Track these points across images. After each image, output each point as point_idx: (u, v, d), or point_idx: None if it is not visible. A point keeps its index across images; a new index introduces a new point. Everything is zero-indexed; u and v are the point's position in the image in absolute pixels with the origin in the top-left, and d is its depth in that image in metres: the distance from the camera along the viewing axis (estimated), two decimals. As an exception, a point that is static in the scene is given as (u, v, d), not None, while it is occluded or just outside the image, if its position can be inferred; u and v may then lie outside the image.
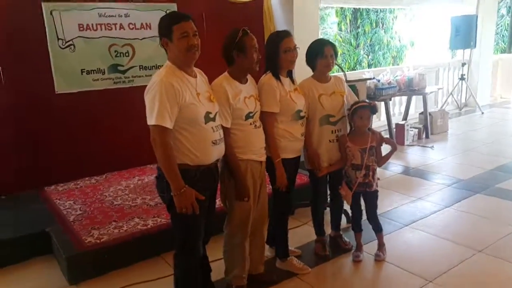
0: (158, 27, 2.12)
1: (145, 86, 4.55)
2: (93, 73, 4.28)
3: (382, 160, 2.92)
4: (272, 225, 2.77)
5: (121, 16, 4.41)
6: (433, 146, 5.85)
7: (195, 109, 2.08)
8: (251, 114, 2.40)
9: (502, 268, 2.79)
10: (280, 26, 5.42)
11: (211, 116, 2.17)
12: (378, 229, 2.99)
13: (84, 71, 4.22)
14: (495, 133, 6.50)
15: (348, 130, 2.94)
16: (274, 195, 2.68)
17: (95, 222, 3.24)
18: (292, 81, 2.71)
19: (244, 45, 2.32)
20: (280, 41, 2.55)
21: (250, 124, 2.41)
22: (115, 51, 4.40)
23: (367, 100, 3.32)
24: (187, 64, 2.12)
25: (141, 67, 4.62)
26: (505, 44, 10.79)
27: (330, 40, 2.93)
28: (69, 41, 4.11)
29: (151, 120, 1.99)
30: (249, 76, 2.50)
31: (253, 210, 2.47)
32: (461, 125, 7.15)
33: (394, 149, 2.91)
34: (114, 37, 4.37)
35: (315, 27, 5.55)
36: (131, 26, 4.49)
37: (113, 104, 4.45)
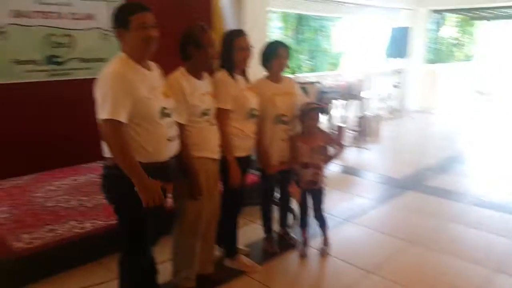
0: (113, 16, 2.01)
1: (85, 80, 4.39)
2: (27, 64, 3.99)
3: (329, 159, 3.03)
4: (223, 223, 2.74)
5: (61, 4, 4.16)
6: (369, 147, 6.17)
7: (151, 103, 1.99)
8: (207, 111, 2.37)
9: (432, 257, 3.01)
10: (230, 25, 5.43)
11: (167, 111, 2.08)
12: (323, 224, 3.10)
13: (16, 62, 3.92)
14: (423, 136, 7.02)
15: (298, 130, 3.01)
16: (225, 193, 2.66)
17: (25, 226, 2.96)
18: (246, 79, 2.72)
19: (199, 40, 2.29)
20: (235, 39, 2.55)
21: (206, 121, 2.38)
22: (53, 41, 4.14)
23: (317, 102, 3.43)
24: (142, 56, 2.02)
25: (80, 59, 4.38)
26: (431, 55, 11.65)
27: (283, 41, 2.99)
28: (1, 27, 3.80)
29: (103, 114, 1.85)
30: (204, 73, 2.48)
31: (205, 209, 2.44)
32: (393, 128, 7.61)
33: (341, 150, 3.03)
34: (52, 27, 4.10)
35: (264, 29, 5.63)
36: (71, 16, 4.25)
37: (47, 98, 4.13)
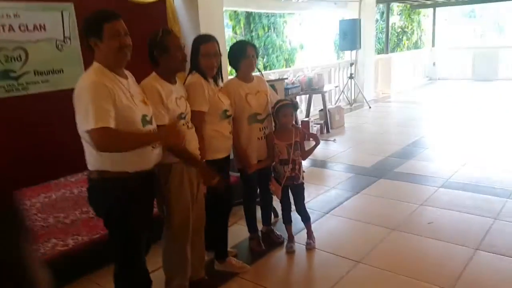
0: (84, 26, 1.95)
1: (42, 93, 4.19)
2: (-20, 80, 3.77)
3: (306, 154, 3.07)
4: (212, 227, 2.72)
5: (9, 16, 3.93)
6: (335, 139, 6.30)
7: (131, 112, 1.95)
8: (183, 115, 2.34)
9: (415, 241, 3.12)
10: (186, 28, 5.37)
11: (148, 119, 2.06)
12: (306, 219, 3.14)
13: (-31, 79, 3.69)
14: (383, 124, 7.25)
15: (273, 128, 3.03)
16: (212, 196, 2.63)
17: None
18: (216, 83, 2.70)
19: (165, 44, 2.25)
20: (200, 45, 2.54)
21: (183, 125, 2.35)
22: (5, 55, 3.92)
23: (288, 99, 3.46)
24: (118, 64, 1.98)
25: (36, 72, 4.17)
26: (381, 45, 12.07)
27: (250, 41, 2.99)
28: None
29: (88, 125, 1.78)
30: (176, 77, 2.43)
31: (192, 212, 2.41)
32: (354, 119, 7.82)
33: (317, 144, 3.08)
34: (2, 39, 3.89)
35: (221, 29, 5.60)
36: (22, 28, 4.04)
37: (6, 115, 3.95)
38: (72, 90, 1.90)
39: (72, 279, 2.78)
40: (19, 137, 4.01)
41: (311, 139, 3.15)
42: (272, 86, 3.50)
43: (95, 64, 1.96)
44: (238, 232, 3.32)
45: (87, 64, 4.24)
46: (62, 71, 4.35)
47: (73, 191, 3.86)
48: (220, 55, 2.61)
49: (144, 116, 2.03)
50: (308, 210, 3.63)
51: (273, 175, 3.01)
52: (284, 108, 2.91)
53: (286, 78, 6.01)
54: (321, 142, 6.17)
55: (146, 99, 2.12)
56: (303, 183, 3.07)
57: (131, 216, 1.99)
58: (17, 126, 4.01)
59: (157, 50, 2.26)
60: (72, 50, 4.39)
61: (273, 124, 3.04)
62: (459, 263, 2.78)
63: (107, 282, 2.69)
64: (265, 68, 13.26)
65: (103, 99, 1.82)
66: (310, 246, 3.09)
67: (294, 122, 3.04)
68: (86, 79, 1.88)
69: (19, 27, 4.02)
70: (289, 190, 3.06)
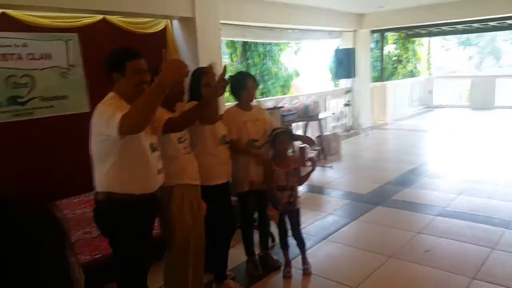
0: (107, 61, 2.10)
1: (48, 117, 4.32)
2: (-11, 106, 3.88)
3: (303, 179, 3.15)
4: (212, 249, 2.79)
5: (18, 46, 4.10)
6: (332, 166, 6.40)
7: (140, 139, 2.08)
8: (182, 139, 2.47)
9: (411, 269, 3.16)
10: (185, 57, 5.53)
11: (154, 146, 2.20)
12: (302, 245, 3.19)
13: (-22, 105, 3.81)
14: (380, 151, 7.37)
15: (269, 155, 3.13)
16: (217, 219, 2.71)
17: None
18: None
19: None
20: (201, 77, 2.67)
21: (183, 148, 2.48)
22: (13, 82, 4.06)
23: (283, 126, 3.57)
24: (135, 98, 2.08)
25: (42, 98, 4.31)
26: (376, 73, 12.34)
27: (248, 72, 3.14)
28: (-41, 72, 3.69)
29: (114, 122, 1.85)
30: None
31: (193, 233, 2.49)
32: (351, 145, 7.94)
33: (313, 169, 3.17)
34: (11, 68, 4.04)
35: (219, 59, 5.77)
36: (29, 57, 4.20)
37: (13, 138, 4.06)
38: (76, 114, 2.03)
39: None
40: (24, 159, 4.12)
41: (308, 163, 3.22)
42: (270, 114, 3.62)
43: (112, 94, 2.11)
44: (236, 255, 3.36)
45: (90, 91, 4.42)
46: (66, 97, 4.48)
47: (76, 211, 3.93)
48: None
49: (151, 144, 2.17)
50: (305, 235, 3.70)
51: (270, 200, 3.08)
52: (280, 135, 3.02)
53: (282, 107, 6.17)
54: (318, 168, 6.33)
55: (155, 130, 2.24)
56: (299, 209, 3.14)
57: (135, 236, 2.11)
58: (23, 149, 4.13)
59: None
60: (75, 77, 4.54)
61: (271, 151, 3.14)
62: (456, 291, 2.82)
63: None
64: (261, 94, 13.49)
65: (116, 106, 1.97)
66: (307, 271, 3.13)
67: (291, 149, 3.13)
68: (106, 104, 2.03)
69: (27, 56, 4.18)
70: (286, 216, 3.12)
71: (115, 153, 2.04)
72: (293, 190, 3.06)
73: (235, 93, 3.02)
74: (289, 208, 3.06)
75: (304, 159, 3.17)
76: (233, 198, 3.26)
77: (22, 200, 1.02)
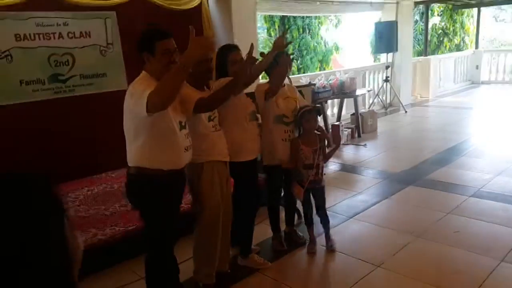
0: (139, 41, 2.18)
1: (87, 95, 4.52)
2: (33, 83, 4.12)
3: (327, 156, 3.17)
4: (239, 224, 2.88)
5: (59, 25, 4.29)
6: (365, 144, 6.31)
7: (169, 119, 2.18)
8: (212, 117, 2.54)
9: (437, 249, 3.14)
10: (220, 33, 5.57)
11: (183, 124, 2.29)
12: (326, 221, 3.23)
13: (23, 82, 4.05)
14: (419, 130, 7.15)
15: (296, 134, 3.15)
16: (242, 195, 2.80)
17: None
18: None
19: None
20: (227, 53, 2.71)
21: (212, 126, 2.55)
22: (55, 60, 4.27)
23: (311, 104, 3.56)
24: None
25: (81, 76, 4.51)
26: (420, 47, 11.83)
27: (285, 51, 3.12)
28: (5, 51, 3.92)
29: (143, 100, 1.94)
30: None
31: (222, 208, 2.59)
32: (388, 123, 7.76)
33: (337, 146, 3.17)
34: (53, 47, 4.24)
35: (254, 34, 5.77)
36: (70, 35, 4.38)
37: (55, 115, 4.30)
38: (114, 92, 2.13)
39: (110, 265, 3.05)
40: (66, 135, 4.36)
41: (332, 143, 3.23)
42: (300, 92, 3.61)
43: (143, 73, 2.21)
44: (262, 231, 3.46)
45: (128, 68, 4.58)
46: (106, 75, 4.67)
47: (114, 185, 4.16)
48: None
49: (179, 122, 2.26)
50: (333, 213, 3.77)
51: (295, 178, 3.12)
52: (306, 114, 3.02)
53: (314, 84, 6.07)
54: (352, 146, 6.28)
55: (182, 109, 2.32)
56: (324, 187, 3.17)
57: (163, 209, 2.24)
58: (64, 125, 4.37)
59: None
60: (114, 55, 4.70)
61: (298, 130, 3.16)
62: (481, 274, 2.78)
63: (141, 269, 2.91)
64: (298, 70, 13.31)
65: (146, 85, 2.05)
66: (331, 248, 3.18)
67: (317, 127, 3.12)
68: (137, 84, 2.13)
69: (68, 35, 4.36)
70: (311, 193, 3.16)
71: (145, 131, 2.14)
72: (319, 168, 3.08)
73: (267, 70, 3.02)
74: (314, 186, 3.10)
75: (337, 137, 3.15)
76: (261, 175, 3.34)
77: (29, 178, 1.15)
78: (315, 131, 3.09)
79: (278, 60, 2.92)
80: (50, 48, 4.22)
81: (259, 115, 3.21)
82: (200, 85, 2.54)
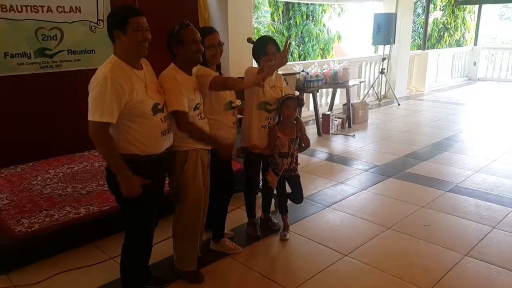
0: (110, 17, 2.11)
1: (74, 71, 4.51)
2: (18, 57, 4.11)
3: (301, 149, 3.18)
4: (212, 210, 2.88)
5: (48, -3, 4.25)
6: (354, 135, 6.34)
7: (143, 104, 2.12)
8: (198, 106, 2.51)
9: (406, 242, 3.20)
10: (215, 15, 5.54)
11: (159, 107, 2.21)
12: (299, 200, 3.26)
13: (7, 55, 4.04)
14: (409, 123, 7.17)
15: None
16: (216, 181, 2.80)
17: (24, 211, 3.17)
18: (220, 74, 2.84)
19: (181, 38, 2.40)
20: (204, 37, 2.62)
21: (197, 115, 2.52)
22: (42, 34, 4.25)
23: (294, 94, 3.55)
24: (136, 57, 2.15)
25: (69, 51, 4.50)
26: (421, 40, 11.76)
27: (272, 37, 3.11)
28: (-10, 22, 3.90)
29: (94, 117, 1.97)
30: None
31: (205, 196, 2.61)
32: (380, 115, 7.77)
33: (306, 147, 3.17)
34: (41, 20, 4.21)
35: (249, 18, 5.73)
36: (59, 9, 4.35)
37: (40, 90, 4.31)
38: None
39: (79, 244, 3.08)
40: (50, 110, 4.37)
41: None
42: (284, 80, 3.61)
43: (113, 58, 2.11)
44: (238, 217, 3.51)
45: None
46: (94, 51, 4.65)
47: (94, 164, 4.18)
48: (223, 44, 2.76)
49: (155, 105, 2.19)
50: (310, 202, 3.84)
51: (270, 166, 3.15)
52: (287, 101, 3.03)
53: (298, 73, 6.06)
54: (341, 136, 6.31)
55: (160, 88, 2.29)
56: (298, 175, 3.20)
57: (142, 195, 2.15)
58: (49, 100, 4.37)
59: (174, 42, 2.42)
60: (104, 32, 4.51)
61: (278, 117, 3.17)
62: (444, 267, 2.84)
63: (110, 250, 2.99)
64: (299, 57, 13.24)
65: (112, 96, 1.98)
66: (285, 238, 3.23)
67: (295, 117, 3.13)
68: (102, 72, 2.03)
69: (57, 9, 4.33)
70: (285, 181, 3.19)
71: (119, 116, 2.06)
72: (293, 157, 3.11)
73: (256, 58, 3.04)
74: (290, 174, 3.13)
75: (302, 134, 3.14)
76: (240, 161, 3.36)
77: None
78: (293, 120, 3.10)
79: (265, 50, 2.92)
80: (37, 22, 4.19)
81: (242, 103, 3.22)
82: (187, 69, 2.50)
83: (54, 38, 4.36)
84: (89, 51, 4.63)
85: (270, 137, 3.07)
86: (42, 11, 4.23)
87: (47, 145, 4.38)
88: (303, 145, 3.14)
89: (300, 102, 3.13)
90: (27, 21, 4.13)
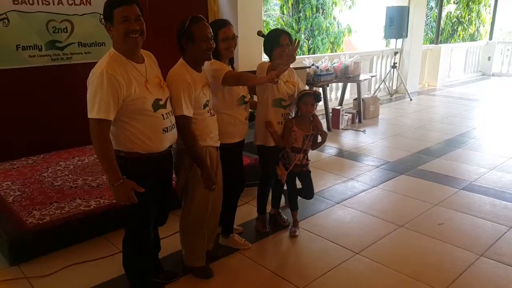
0: (103, 10, 2.03)
1: (84, 63, 4.53)
2: (30, 49, 4.11)
3: (316, 146, 3.14)
4: (223, 204, 2.84)
5: (59, -10, 4.24)
6: (365, 130, 6.26)
7: (142, 101, 2.04)
8: (207, 102, 2.46)
9: (419, 240, 3.14)
10: (225, 8, 5.48)
11: (161, 103, 2.13)
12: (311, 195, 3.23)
13: (19, 47, 4.04)
14: (421, 119, 7.07)
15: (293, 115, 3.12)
16: (226, 177, 2.76)
17: (35, 203, 3.18)
18: (233, 68, 2.79)
19: (191, 33, 2.32)
20: (218, 30, 2.57)
21: (207, 112, 2.47)
22: (53, 27, 4.24)
23: (311, 90, 3.49)
24: (129, 50, 2.04)
25: (80, 44, 4.49)
26: (433, 34, 11.58)
27: (285, 29, 3.05)
28: (2, 14, 3.90)
29: (91, 113, 1.92)
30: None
31: (212, 195, 2.57)
32: (391, 110, 7.67)
33: (323, 141, 3.13)
34: (52, 12, 4.20)
35: (259, 11, 5.66)
36: (70, 2, 4.34)
37: (51, 82, 4.31)
38: None
39: (90, 237, 3.09)
40: (61, 103, 4.37)
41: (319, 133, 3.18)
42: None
43: (111, 51, 2.04)
44: (248, 212, 3.49)
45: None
46: (104, 44, 4.64)
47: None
48: (237, 37, 2.70)
49: (157, 101, 2.10)
50: (320, 198, 3.80)
51: (281, 160, 3.11)
52: (305, 97, 2.98)
53: (309, 67, 5.98)
54: (351, 132, 6.24)
55: (163, 83, 2.20)
56: (310, 170, 3.16)
57: (141, 193, 2.08)
58: (59, 92, 4.37)
59: (183, 38, 2.35)
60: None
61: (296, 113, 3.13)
62: (459, 267, 2.78)
63: (120, 243, 2.93)
64: (308, 51, 13.11)
65: (109, 92, 1.92)
66: (287, 225, 3.24)
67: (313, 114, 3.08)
68: (99, 67, 1.96)
69: (67, 1, 4.31)
70: (297, 177, 3.15)
71: (117, 115, 2.01)
72: (306, 153, 3.07)
73: (268, 51, 2.97)
74: (301, 169, 3.08)
75: (319, 128, 3.09)
76: (254, 156, 3.29)
77: None
78: (310, 116, 3.05)
79: (278, 41, 2.87)
80: (48, 14, 4.19)
81: (253, 96, 3.18)
82: (197, 65, 2.44)
83: (65, 30, 4.35)
84: (99, 44, 4.62)
85: (285, 129, 3.02)
86: (53, 4, 4.22)
87: (57, 136, 4.39)
88: (321, 140, 3.09)
89: (317, 98, 3.08)
90: (38, 13, 4.12)
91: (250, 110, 2.91)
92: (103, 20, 2.07)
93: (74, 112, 4.37)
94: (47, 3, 4.16)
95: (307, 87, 5.60)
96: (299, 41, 2.66)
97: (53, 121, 4.33)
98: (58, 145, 4.40)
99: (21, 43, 4.05)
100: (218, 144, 2.60)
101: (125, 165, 2.07)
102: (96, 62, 2.05)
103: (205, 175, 2.41)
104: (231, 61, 2.77)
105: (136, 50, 2.09)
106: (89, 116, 1.94)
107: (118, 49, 2.04)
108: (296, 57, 2.66)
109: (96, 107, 1.92)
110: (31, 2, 4.04)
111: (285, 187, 3.28)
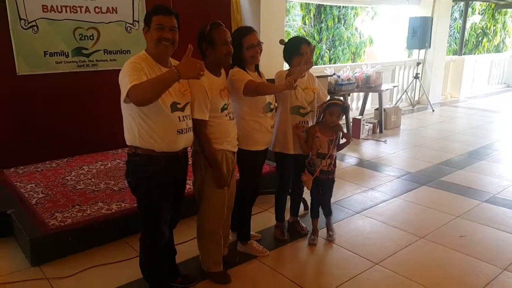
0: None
1: (109, 70, 4.62)
2: (57, 55, 4.23)
3: (340, 147, 3.14)
4: (237, 211, 2.88)
5: (87, -1, 4.37)
6: (386, 141, 6.20)
7: (161, 100, 2.08)
8: (226, 106, 2.48)
9: (440, 252, 3.08)
10: (247, 17, 5.54)
11: (179, 106, 2.19)
12: (329, 213, 3.23)
13: (47, 53, 4.17)
14: (443, 130, 6.96)
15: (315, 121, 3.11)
16: (242, 182, 2.78)
17: (58, 206, 3.25)
18: (259, 74, 2.82)
19: (212, 38, 2.38)
20: (243, 37, 2.61)
21: (225, 115, 2.49)
22: (80, 34, 4.36)
23: (341, 99, 3.48)
24: (159, 55, 2.14)
25: (105, 51, 4.59)
26: (457, 46, 11.42)
27: (306, 38, 3.06)
28: (32, 21, 4.03)
29: (125, 88, 1.95)
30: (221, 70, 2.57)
31: (227, 200, 2.59)
32: (413, 121, 7.58)
33: (348, 142, 3.13)
34: (79, 20, 4.33)
35: (281, 20, 5.71)
36: (97, 10, 4.46)
37: (76, 88, 4.42)
38: None
39: (110, 240, 3.13)
40: (86, 109, 4.48)
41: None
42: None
43: (142, 52, 2.17)
44: (266, 219, 3.48)
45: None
46: (129, 52, 4.74)
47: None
48: (262, 43, 2.71)
49: (174, 103, 2.16)
50: (339, 207, 3.77)
51: (306, 166, 3.10)
52: (332, 107, 2.97)
53: (331, 75, 5.96)
54: (372, 142, 6.18)
55: (185, 90, 2.25)
56: (334, 180, 3.14)
57: (154, 190, 2.20)
58: (85, 98, 4.49)
59: (204, 43, 2.41)
60: (139, 33, 4.71)
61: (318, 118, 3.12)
62: (481, 281, 2.71)
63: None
64: (330, 61, 13.09)
65: (135, 69, 2.01)
66: (330, 238, 3.19)
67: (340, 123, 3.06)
68: (129, 66, 2.06)
69: (94, 9, 4.44)
70: (320, 184, 3.12)
71: (136, 110, 2.10)
72: (332, 158, 3.05)
73: (287, 58, 2.99)
74: (326, 176, 3.06)
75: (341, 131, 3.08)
76: (272, 163, 3.29)
77: None
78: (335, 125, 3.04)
79: (298, 50, 2.86)
80: (76, 22, 4.31)
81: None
82: (216, 69, 2.49)
83: (91, 38, 4.47)
84: (124, 52, 4.72)
85: (308, 136, 3.02)
86: (81, 12, 4.34)
87: (82, 141, 4.49)
88: (344, 140, 3.07)
89: (345, 110, 3.06)
90: (66, 21, 4.25)
91: None
92: (144, 23, 2.16)
93: (98, 117, 4.52)
94: (74, 11, 4.29)
95: (341, 98, 5.61)
96: (314, 46, 2.67)
97: (78, 125, 4.44)
98: (82, 149, 4.50)
99: (48, 50, 4.17)
100: (235, 149, 2.61)
101: (140, 162, 2.18)
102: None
103: (217, 174, 2.45)
104: (256, 67, 2.79)
105: (166, 57, 2.19)
106: (123, 93, 1.98)
107: (150, 53, 2.15)
108: (317, 66, 2.66)
109: (128, 80, 1.94)
110: (59, 10, 4.17)
111: (303, 196, 3.27)
